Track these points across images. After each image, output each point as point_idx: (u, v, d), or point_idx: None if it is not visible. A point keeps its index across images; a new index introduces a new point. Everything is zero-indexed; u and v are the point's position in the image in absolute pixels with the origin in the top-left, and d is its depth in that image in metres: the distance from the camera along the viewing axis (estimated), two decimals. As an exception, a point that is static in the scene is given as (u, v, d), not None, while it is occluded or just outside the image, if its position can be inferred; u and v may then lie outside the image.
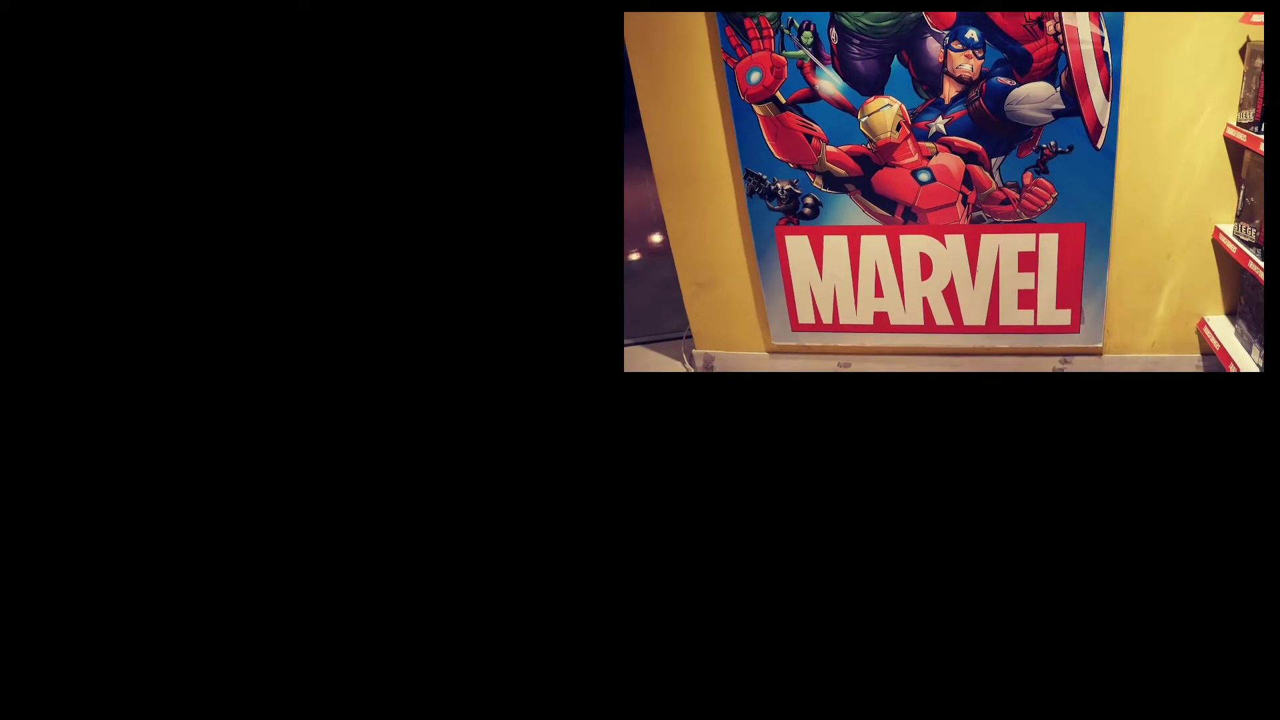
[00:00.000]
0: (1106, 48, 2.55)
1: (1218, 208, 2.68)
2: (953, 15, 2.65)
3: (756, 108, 2.92)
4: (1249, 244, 2.50)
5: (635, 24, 2.90)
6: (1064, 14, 2.55)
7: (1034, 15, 2.58)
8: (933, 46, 2.70)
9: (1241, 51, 2.43)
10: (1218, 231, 2.68)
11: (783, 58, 2.82)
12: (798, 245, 3.17)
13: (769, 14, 2.78)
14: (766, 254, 3.23)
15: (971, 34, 2.65)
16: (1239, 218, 2.60)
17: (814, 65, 2.81)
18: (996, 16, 2.61)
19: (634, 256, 4.59)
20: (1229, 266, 2.76)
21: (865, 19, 2.72)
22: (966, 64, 2.69)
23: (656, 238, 4.10)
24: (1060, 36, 2.58)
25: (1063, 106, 2.66)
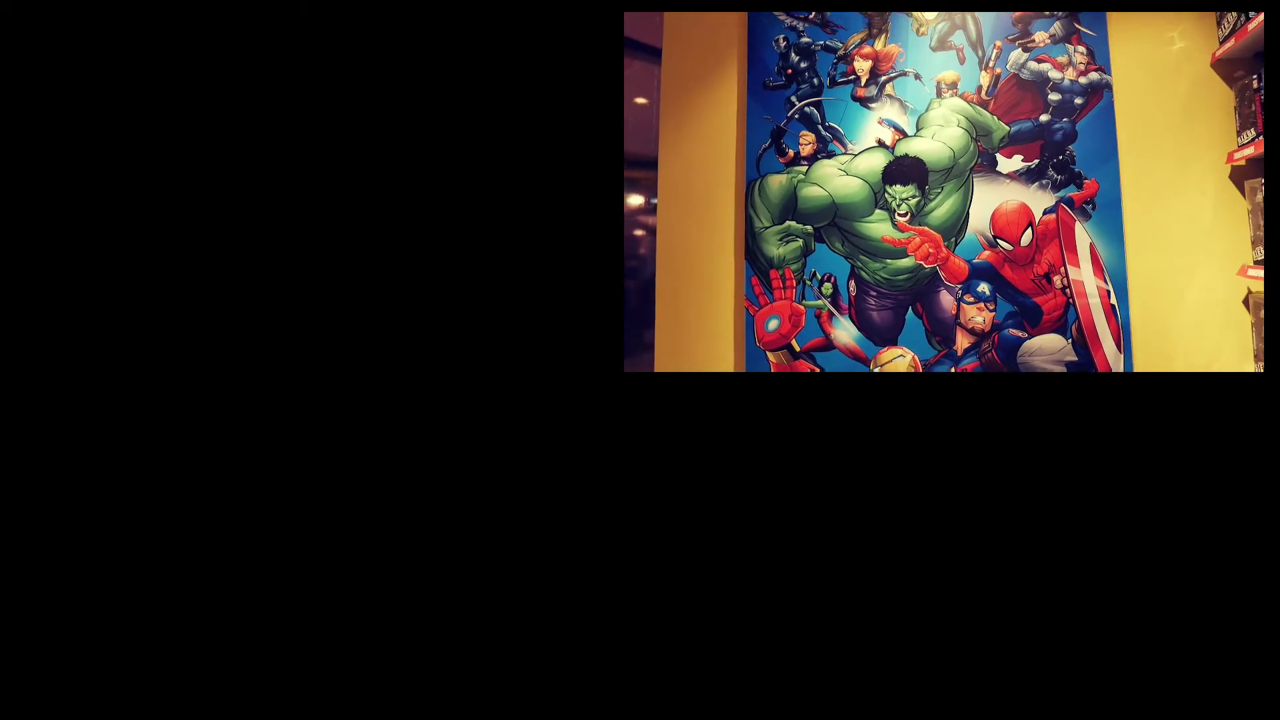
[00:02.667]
0: (1113, 300, 2.64)
1: (1245, 460, 2.61)
2: (965, 270, 2.81)
3: (770, 355, 3.04)
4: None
5: (666, 266, 3.12)
6: (1070, 269, 2.68)
7: (1042, 270, 2.72)
8: (946, 299, 2.84)
9: (1245, 302, 2.48)
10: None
11: (802, 307, 2.99)
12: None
13: (794, 265, 2.99)
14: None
15: (983, 287, 2.79)
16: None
17: (831, 315, 2.96)
18: (1006, 271, 2.76)
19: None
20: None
21: (883, 272, 2.90)
22: (979, 316, 2.80)
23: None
24: (1068, 290, 2.69)
25: (1075, 358, 2.72)
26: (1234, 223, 2.49)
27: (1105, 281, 2.66)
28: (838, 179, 3.02)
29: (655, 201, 3.21)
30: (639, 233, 3.60)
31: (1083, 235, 2.70)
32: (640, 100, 3.77)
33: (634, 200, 3.58)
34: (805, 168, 3.06)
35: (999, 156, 2.83)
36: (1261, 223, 2.30)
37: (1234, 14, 2.31)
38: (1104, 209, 2.68)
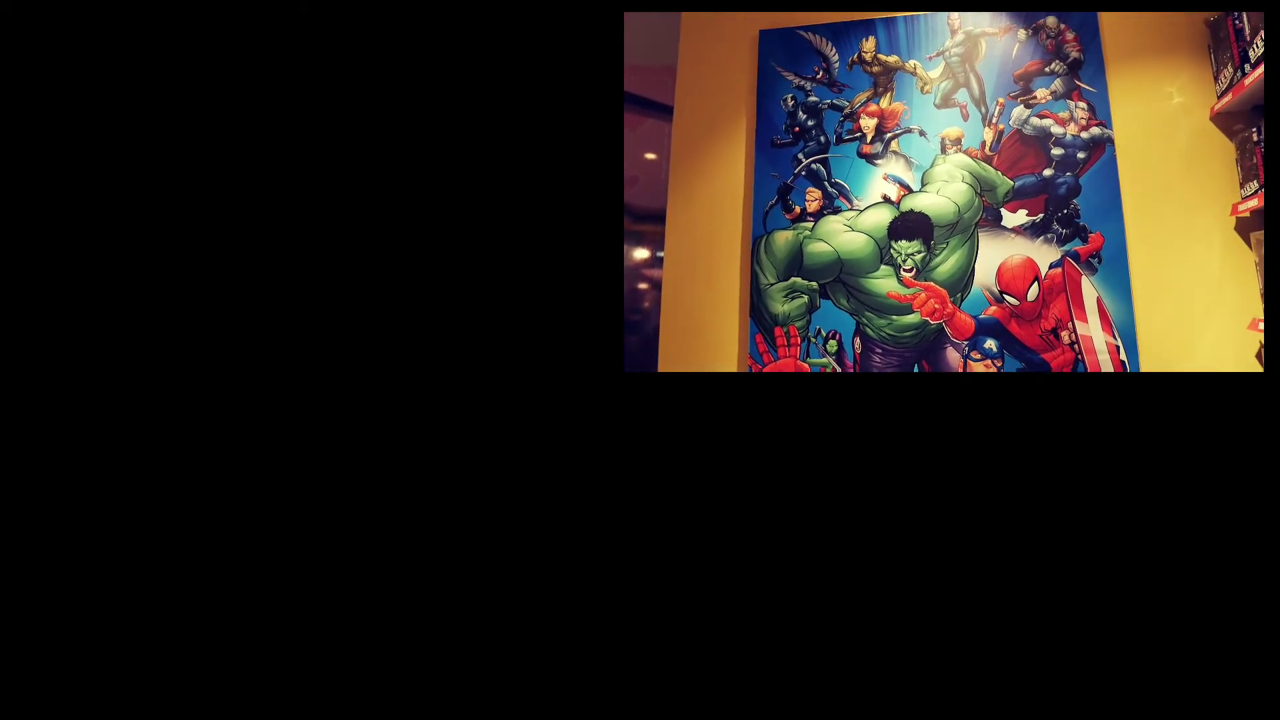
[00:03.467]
0: (1123, 356, 2.59)
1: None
2: (971, 326, 2.78)
3: (783, 409, 3.01)
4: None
5: (670, 322, 3.12)
6: (1077, 324, 2.64)
7: (1049, 325, 2.68)
8: (952, 356, 2.81)
9: (1257, 356, 2.43)
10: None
11: (806, 365, 2.97)
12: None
13: (799, 323, 2.98)
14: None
15: (990, 344, 2.76)
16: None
17: (836, 373, 2.93)
18: (1013, 327, 2.73)
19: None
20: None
21: (888, 328, 2.87)
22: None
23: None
24: (1076, 346, 2.65)
25: (1087, 413, 2.65)
26: (1242, 276, 2.45)
27: (1114, 337, 2.62)
28: (843, 234, 3.02)
29: (661, 255, 3.24)
30: (643, 286, 3.61)
31: (1090, 289, 2.66)
32: (650, 155, 3.82)
33: (639, 254, 3.60)
34: (811, 224, 3.07)
35: (1004, 211, 2.82)
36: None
37: (1230, 69, 2.30)
38: (1110, 262, 2.64)
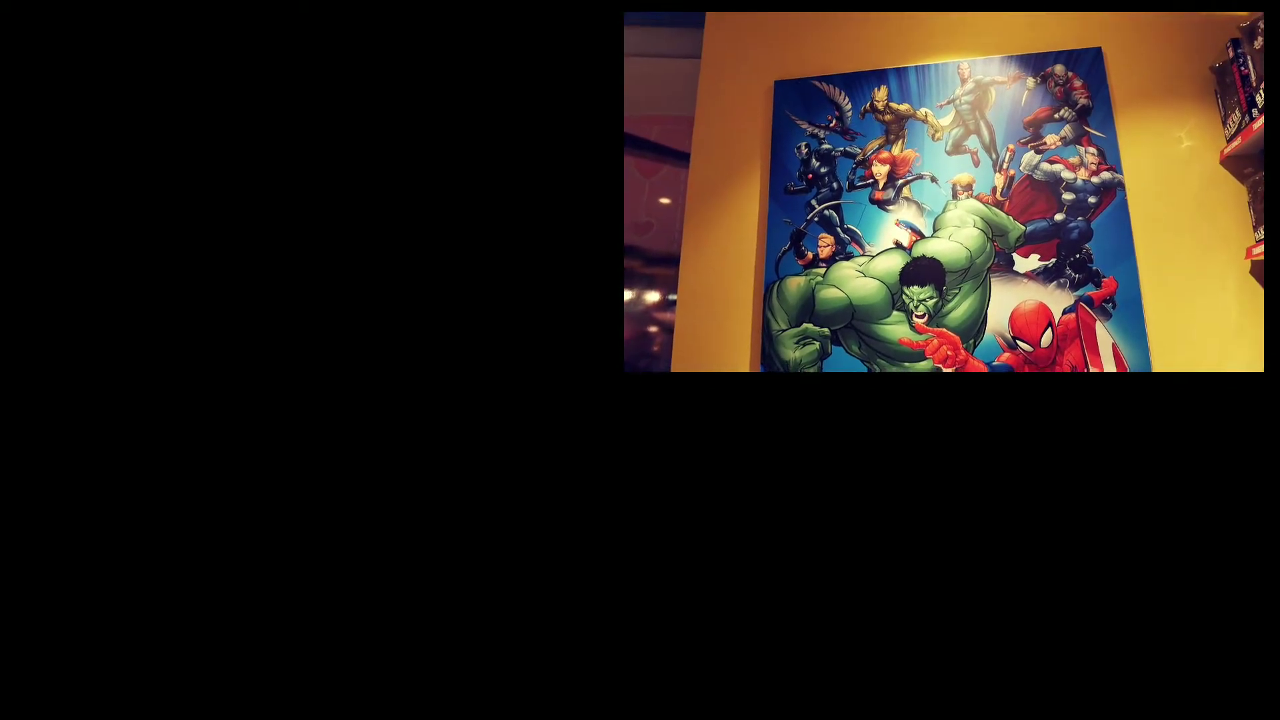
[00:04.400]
0: (1138, 402, 2.55)
1: None
2: (984, 373, 2.75)
3: (796, 454, 2.99)
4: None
5: (681, 366, 3.11)
6: (1093, 370, 2.61)
7: (1064, 372, 2.65)
8: (966, 400, 2.77)
9: (1275, 405, 2.39)
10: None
11: (821, 407, 2.95)
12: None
13: (810, 369, 2.97)
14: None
15: (1003, 389, 2.72)
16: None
17: (851, 415, 2.91)
18: (1027, 374, 2.70)
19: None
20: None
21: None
22: (1000, 417, 2.72)
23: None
24: (1091, 392, 2.61)
25: (1103, 461, 2.61)
26: (1259, 320, 2.41)
27: (1129, 382, 2.58)
28: (855, 280, 3.02)
29: (673, 298, 3.25)
30: (653, 329, 3.62)
31: (1104, 335, 2.63)
32: (664, 200, 3.87)
33: (650, 297, 3.61)
34: (824, 269, 3.07)
35: (1016, 256, 2.80)
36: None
37: (1238, 114, 2.29)
38: (1124, 307, 2.62)
